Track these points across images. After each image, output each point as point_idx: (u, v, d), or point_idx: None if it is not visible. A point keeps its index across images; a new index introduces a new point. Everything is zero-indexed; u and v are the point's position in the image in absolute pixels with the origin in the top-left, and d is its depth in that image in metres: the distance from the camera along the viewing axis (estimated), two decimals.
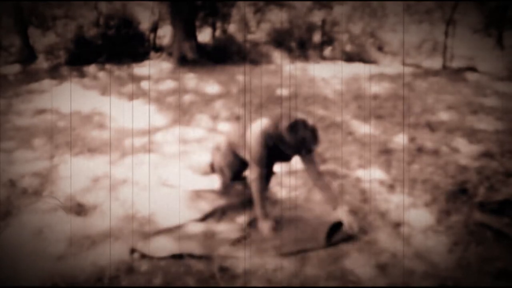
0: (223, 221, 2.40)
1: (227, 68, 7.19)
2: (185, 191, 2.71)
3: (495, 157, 3.20)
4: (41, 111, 4.68)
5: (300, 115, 2.21)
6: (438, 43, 9.00)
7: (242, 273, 1.91)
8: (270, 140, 2.25)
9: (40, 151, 3.46)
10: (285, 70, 7.10)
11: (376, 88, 5.50)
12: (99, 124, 4.23)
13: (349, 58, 8.81)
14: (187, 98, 5.16)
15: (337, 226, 2.23)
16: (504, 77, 6.44)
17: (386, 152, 3.41)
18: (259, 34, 9.66)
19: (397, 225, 2.35)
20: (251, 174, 2.32)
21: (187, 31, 7.67)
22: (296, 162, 2.63)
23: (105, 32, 8.25)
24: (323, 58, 9.03)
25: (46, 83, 6.08)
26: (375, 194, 2.70)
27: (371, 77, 6.18)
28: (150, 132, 3.94)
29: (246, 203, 2.47)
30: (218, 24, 9.68)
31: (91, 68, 7.16)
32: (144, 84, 5.92)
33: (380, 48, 9.63)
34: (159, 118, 4.45)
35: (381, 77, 6.30)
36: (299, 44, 9.16)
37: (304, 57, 8.79)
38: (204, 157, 3.22)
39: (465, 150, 3.40)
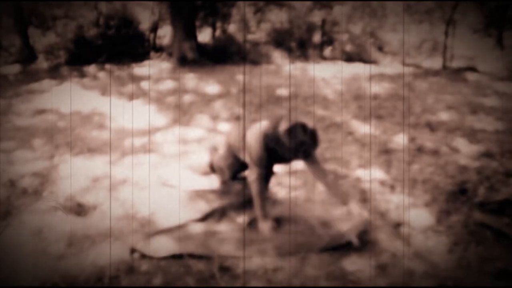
0: (223, 221, 2.40)
1: (227, 68, 7.19)
2: (185, 191, 2.71)
3: (495, 157, 3.20)
4: (41, 111, 4.67)
5: (300, 118, 2.19)
6: (438, 43, 9.01)
7: (242, 273, 1.91)
8: (269, 142, 2.25)
9: (40, 151, 3.45)
10: (285, 70, 7.10)
11: (376, 88, 5.50)
12: (99, 124, 4.23)
13: (349, 58, 8.81)
14: (187, 98, 5.16)
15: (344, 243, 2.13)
16: (504, 77, 6.45)
17: (386, 152, 3.41)
18: (259, 34, 9.66)
19: (397, 225, 2.35)
20: (251, 174, 2.32)
21: (187, 31, 7.67)
22: (296, 162, 2.62)
23: (105, 32, 8.24)
24: (323, 58, 9.03)
25: (46, 83, 6.08)
26: (375, 194, 2.70)
27: (371, 77, 6.18)
28: (150, 132, 3.94)
29: (246, 203, 2.47)
30: (218, 24, 9.68)
31: (91, 68, 7.16)
32: (144, 84, 5.92)
33: (380, 48, 9.63)
34: (159, 118, 4.45)
35: (381, 77, 6.31)
36: (299, 44, 9.16)
37: (304, 57, 8.79)
38: (204, 157, 3.22)
39: (465, 150, 3.40)
